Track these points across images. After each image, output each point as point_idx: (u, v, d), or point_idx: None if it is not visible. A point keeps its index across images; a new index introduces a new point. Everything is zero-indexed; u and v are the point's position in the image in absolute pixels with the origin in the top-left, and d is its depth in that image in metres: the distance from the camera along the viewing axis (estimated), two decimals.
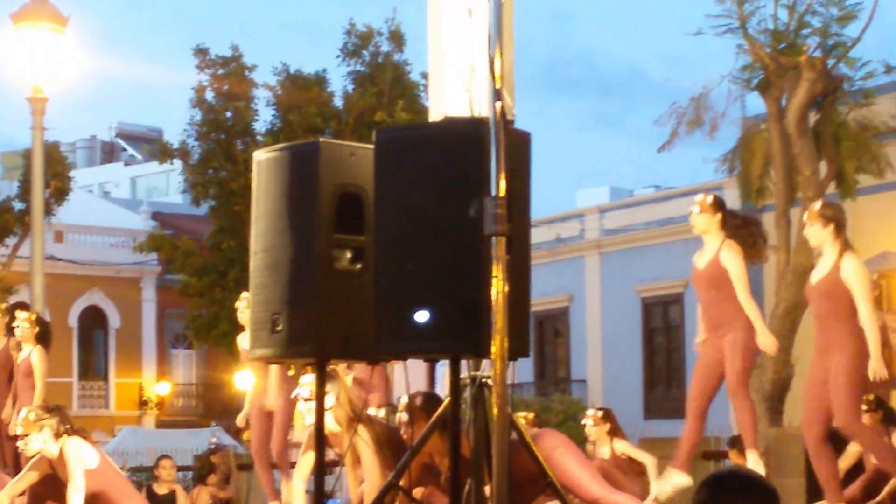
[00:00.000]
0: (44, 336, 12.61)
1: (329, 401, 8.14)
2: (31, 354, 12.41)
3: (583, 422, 12.02)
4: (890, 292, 25.50)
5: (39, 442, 9.23)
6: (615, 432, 11.73)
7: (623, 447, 11.67)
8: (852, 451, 11.47)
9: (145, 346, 42.06)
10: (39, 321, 12.66)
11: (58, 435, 9.22)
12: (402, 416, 8.02)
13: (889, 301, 25.64)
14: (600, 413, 11.87)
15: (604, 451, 11.65)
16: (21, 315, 12.59)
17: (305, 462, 8.63)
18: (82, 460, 9.16)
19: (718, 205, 9.08)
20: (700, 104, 19.25)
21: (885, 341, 12.84)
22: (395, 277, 6.22)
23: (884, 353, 8.68)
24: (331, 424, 8.28)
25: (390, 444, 8.21)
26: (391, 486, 6.88)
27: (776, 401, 18.33)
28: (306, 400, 8.40)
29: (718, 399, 9.08)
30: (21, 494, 9.64)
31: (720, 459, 14.15)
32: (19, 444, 9.71)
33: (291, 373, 10.79)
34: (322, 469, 7.23)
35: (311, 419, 7.98)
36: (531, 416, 11.99)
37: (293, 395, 8.86)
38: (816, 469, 8.92)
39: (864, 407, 11.39)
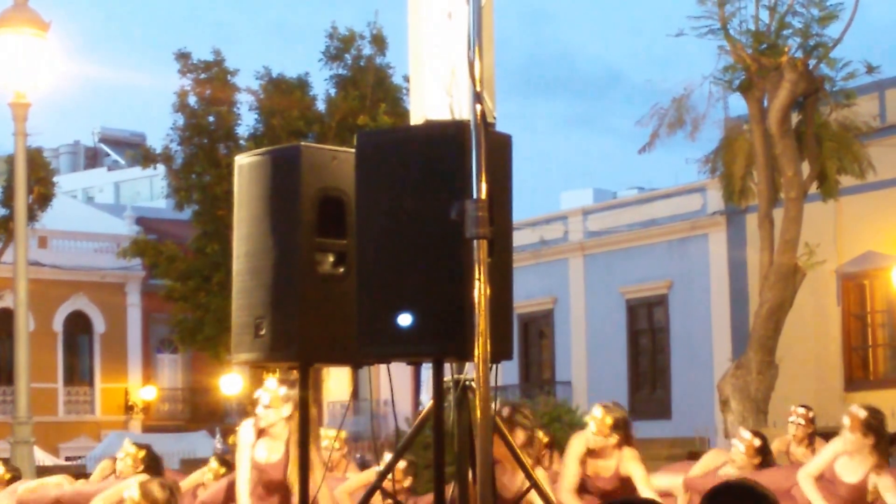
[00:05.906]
0: None
1: (287, 410, 8.05)
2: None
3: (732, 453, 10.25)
4: (874, 292, 25.58)
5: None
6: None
7: None
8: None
9: (130, 351, 41.98)
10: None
11: None
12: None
13: (873, 301, 25.71)
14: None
15: None
16: None
17: None
18: None
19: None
20: (682, 105, 19.28)
21: None
22: (378, 281, 6.22)
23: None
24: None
25: None
26: (375, 488, 6.88)
27: (761, 401, 18.35)
28: (266, 407, 8.19)
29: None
30: None
31: None
32: None
33: (275, 376, 10.72)
34: (306, 469, 7.22)
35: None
36: (545, 438, 9.96)
37: (255, 397, 8.57)
38: None
39: (801, 422, 11.47)
